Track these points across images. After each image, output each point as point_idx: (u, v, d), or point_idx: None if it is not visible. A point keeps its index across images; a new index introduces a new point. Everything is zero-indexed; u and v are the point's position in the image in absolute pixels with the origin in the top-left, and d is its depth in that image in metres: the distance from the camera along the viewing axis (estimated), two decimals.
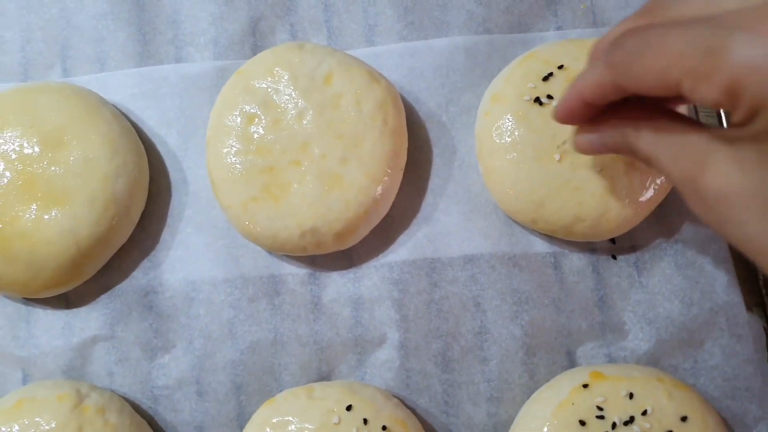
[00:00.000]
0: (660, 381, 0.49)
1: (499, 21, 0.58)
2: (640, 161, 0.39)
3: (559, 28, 0.59)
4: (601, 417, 0.47)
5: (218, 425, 0.53)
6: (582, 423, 0.47)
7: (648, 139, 0.37)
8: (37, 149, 0.52)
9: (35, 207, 0.51)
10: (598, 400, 0.48)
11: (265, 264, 0.55)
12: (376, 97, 0.53)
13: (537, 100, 0.52)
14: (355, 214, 0.51)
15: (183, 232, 0.56)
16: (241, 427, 0.53)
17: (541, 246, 0.55)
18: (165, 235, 0.56)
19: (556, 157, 0.51)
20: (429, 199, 0.56)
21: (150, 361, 0.54)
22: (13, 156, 0.52)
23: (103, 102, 0.56)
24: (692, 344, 0.53)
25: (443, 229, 0.55)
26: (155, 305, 0.55)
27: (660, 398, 0.48)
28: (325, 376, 0.54)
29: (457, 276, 0.54)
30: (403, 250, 0.55)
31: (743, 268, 0.55)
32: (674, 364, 0.53)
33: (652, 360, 0.53)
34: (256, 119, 0.53)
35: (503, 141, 0.52)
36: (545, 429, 0.48)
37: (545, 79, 0.52)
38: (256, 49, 0.59)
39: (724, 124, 0.57)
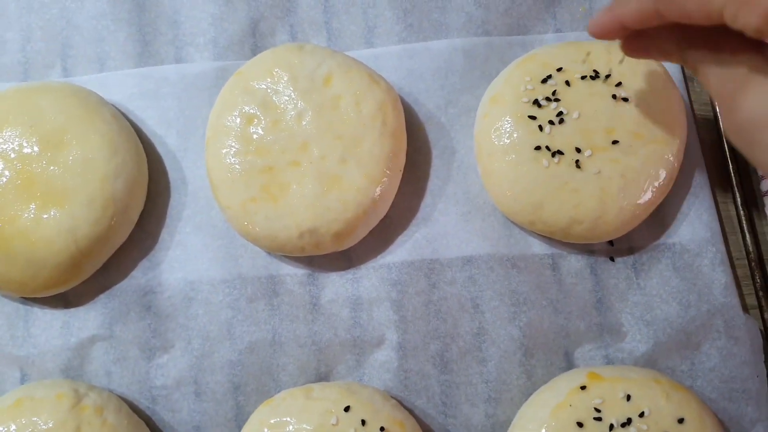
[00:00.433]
0: (657, 383, 0.49)
1: (498, 23, 0.59)
2: (687, 68, 0.39)
3: (557, 30, 0.59)
4: (599, 419, 0.47)
5: (216, 425, 0.53)
6: (579, 425, 0.47)
7: (697, 51, 0.37)
8: (36, 149, 0.52)
9: (34, 206, 0.51)
10: (596, 402, 0.48)
11: (263, 264, 0.55)
12: (375, 99, 0.53)
13: (536, 102, 0.52)
14: (353, 214, 0.51)
15: (182, 232, 0.56)
16: (239, 427, 0.53)
17: (539, 247, 0.55)
18: (164, 235, 0.56)
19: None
20: (428, 200, 0.56)
21: (148, 361, 0.54)
22: (13, 155, 0.52)
23: (103, 102, 0.56)
24: (689, 346, 0.53)
25: (442, 230, 0.55)
26: (154, 305, 0.55)
27: (657, 400, 0.48)
28: (323, 377, 0.54)
29: (456, 277, 0.54)
30: (401, 251, 0.55)
31: (740, 270, 0.56)
32: (672, 365, 0.53)
33: (650, 362, 0.53)
34: (256, 120, 0.53)
35: (502, 143, 0.52)
36: (543, 430, 0.48)
37: (544, 81, 0.53)
38: (255, 50, 0.59)
39: (719, 117, 0.58)
